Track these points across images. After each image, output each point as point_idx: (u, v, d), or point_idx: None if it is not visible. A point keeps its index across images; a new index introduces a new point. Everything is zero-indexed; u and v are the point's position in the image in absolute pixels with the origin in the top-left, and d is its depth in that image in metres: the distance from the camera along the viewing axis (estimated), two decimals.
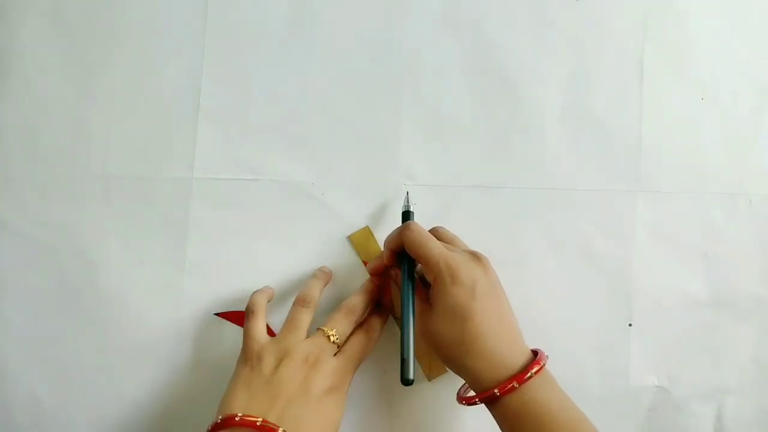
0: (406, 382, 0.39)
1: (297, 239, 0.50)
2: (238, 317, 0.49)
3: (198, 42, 0.51)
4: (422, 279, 0.46)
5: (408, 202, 0.48)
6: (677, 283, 0.51)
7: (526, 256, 0.50)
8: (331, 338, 0.42)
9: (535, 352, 0.41)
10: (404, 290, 0.43)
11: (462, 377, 0.42)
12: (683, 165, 0.51)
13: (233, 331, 0.49)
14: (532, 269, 0.50)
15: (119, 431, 0.49)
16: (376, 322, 0.46)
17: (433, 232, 0.47)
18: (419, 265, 0.44)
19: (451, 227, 0.50)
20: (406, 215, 0.47)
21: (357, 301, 0.45)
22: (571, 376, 0.49)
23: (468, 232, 0.50)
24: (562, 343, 0.49)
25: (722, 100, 0.52)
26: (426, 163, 0.51)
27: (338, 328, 0.43)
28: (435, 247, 0.42)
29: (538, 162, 0.51)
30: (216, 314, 0.50)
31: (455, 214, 0.50)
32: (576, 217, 0.51)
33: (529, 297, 0.50)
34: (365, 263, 0.49)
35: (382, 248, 0.49)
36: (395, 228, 0.45)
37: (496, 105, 0.51)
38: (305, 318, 0.44)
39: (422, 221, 0.49)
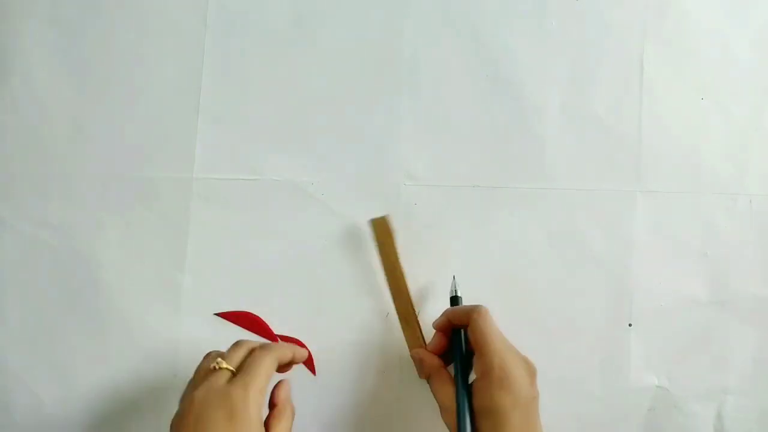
0: None
1: (297, 239, 0.50)
2: (238, 317, 0.49)
3: (198, 42, 0.51)
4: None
5: (455, 287, 0.47)
6: (677, 283, 0.50)
7: (526, 257, 0.50)
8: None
9: None
10: (457, 383, 0.42)
11: None
12: (683, 165, 0.51)
13: (233, 330, 0.49)
14: (532, 269, 0.50)
15: (119, 431, 0.49)
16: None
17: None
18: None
19: (452, 227, 0.50)
20: (455, 300, 0.47)
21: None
22: (571, 376, 0.49)
23: (468, 232, 0.50)
24: (562, 343, 0.49)
25: (722, 100, 0.52)
26: (426, 163, 0.51)
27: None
28: (496, 342, 0.40)
29: (538, 162, 0.51)
30: (216, 314, 0.50)
31: (455, 214, 0.50)
32: (576, 217, 0.51)
33: (529, 297, 0.50)
34: (381, 257, 0.48)
35: (396, 242, 0.48)
36: (460, 307, 0.45)
37: (496, 105, 0.51)
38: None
39: (422, 221, 0.49)
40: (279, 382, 0.42)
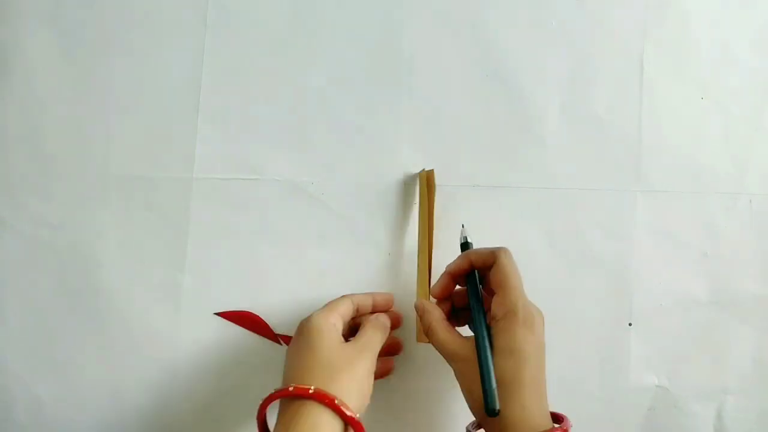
0: (492, 412, 0.38)
1: (297, 239, 0.50)
2: (238, 317, 0.49)
3: (198, 42, 0.51)
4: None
5: (465, 234, 0.47)
6: (677, 283, 0.51)
7: (526, 256, 0.50)
8: None
9: (558, 417, 0.41)
10: (477, 322, 0.42)
11: (487, 425, 0.40)
12: (683, 165, 0.51)
13: (233, 330, 0.49)
14: (532, 269, 0.50)
15: (119, 431, 0.49)
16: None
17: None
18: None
19: (452, 227, 0.50)
20: (466, 246, 0.46)
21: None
22: (571, 376, 0.49)
23: (468, 232, 0.50)
24: (562, 343, 0.49)
25: (722, 100, 0.52)
26: (426, 163, 0.51)
27: None
28: (520, 285, 0.42)
29: (538, 162, 0.51)
30: (216, 314, 0.50)
31: (455, 214, 0.50)
32: (576, 217, 0.51)
33: (529, 296, 0.50)
34: (420, 207, 0.49)
35: (434, 197, 0.48)
36: (481, 248, 0.45)
37: (496, 105, 0.51)
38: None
39: None
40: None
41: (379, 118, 0.51)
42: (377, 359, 0.42)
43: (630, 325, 0.50)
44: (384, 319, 0.45)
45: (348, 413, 0.37)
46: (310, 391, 0.37)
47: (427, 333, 0.43)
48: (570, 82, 0.51)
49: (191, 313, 0.49)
